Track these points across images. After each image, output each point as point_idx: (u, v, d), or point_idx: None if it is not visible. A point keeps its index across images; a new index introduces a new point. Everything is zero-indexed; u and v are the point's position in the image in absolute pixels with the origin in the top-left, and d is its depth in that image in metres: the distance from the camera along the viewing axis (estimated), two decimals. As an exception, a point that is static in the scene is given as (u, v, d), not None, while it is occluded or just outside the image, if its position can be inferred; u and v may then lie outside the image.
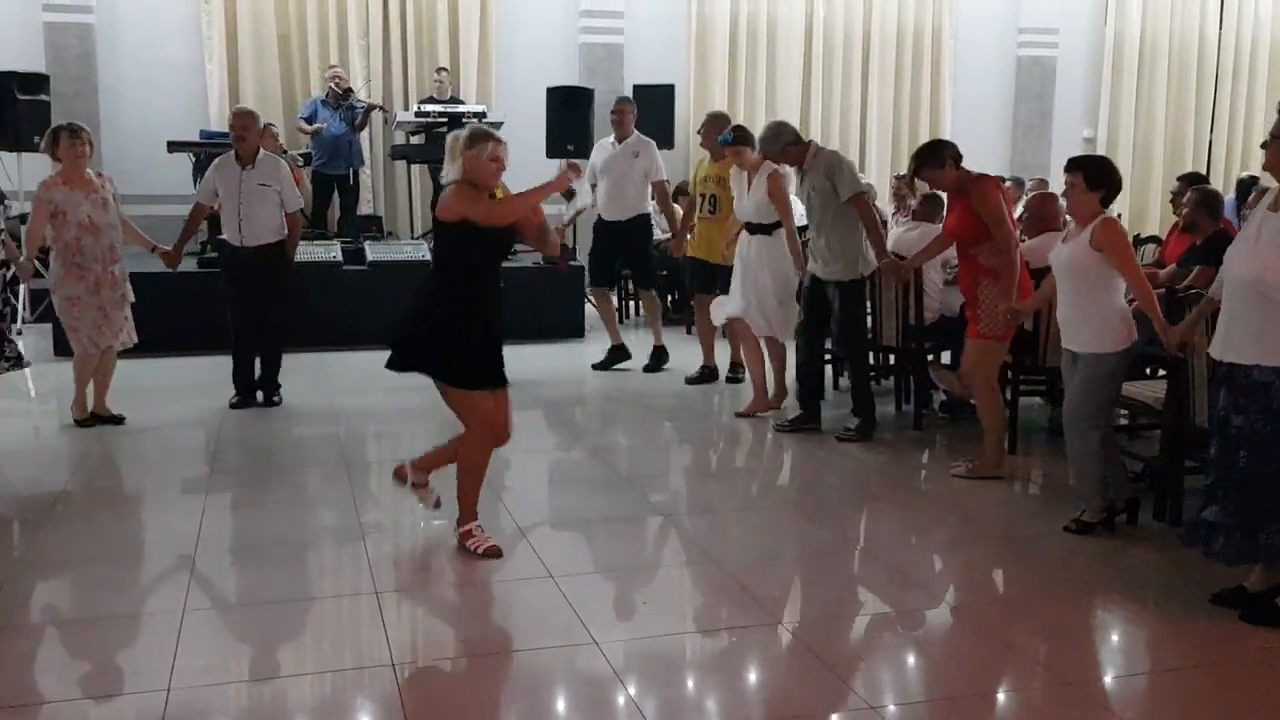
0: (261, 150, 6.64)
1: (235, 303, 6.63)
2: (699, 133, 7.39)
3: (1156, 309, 4.33)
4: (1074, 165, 4.52)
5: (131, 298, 6.26)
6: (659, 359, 7.97)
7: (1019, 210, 7.88)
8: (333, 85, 10.23)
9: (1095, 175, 4.44)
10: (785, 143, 6.01)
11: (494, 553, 4.20)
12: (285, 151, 8.81)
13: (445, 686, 3.30)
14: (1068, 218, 4.80)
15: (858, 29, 12.83)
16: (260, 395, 6.75)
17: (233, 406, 6.61)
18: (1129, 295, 4.47)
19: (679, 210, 9.25)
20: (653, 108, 11.48)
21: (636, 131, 7.88)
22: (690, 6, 12.27)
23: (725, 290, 6.93)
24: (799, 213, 6.83)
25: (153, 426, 6.20)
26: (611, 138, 7.92)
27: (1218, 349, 3.71)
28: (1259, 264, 3.53)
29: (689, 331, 9.70)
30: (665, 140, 11.51)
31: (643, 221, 7.97)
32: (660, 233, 9.38)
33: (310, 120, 10.10)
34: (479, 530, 4.27)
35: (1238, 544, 3.61)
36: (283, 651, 3.51)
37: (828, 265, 5.95)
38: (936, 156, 5.36)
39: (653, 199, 8.09)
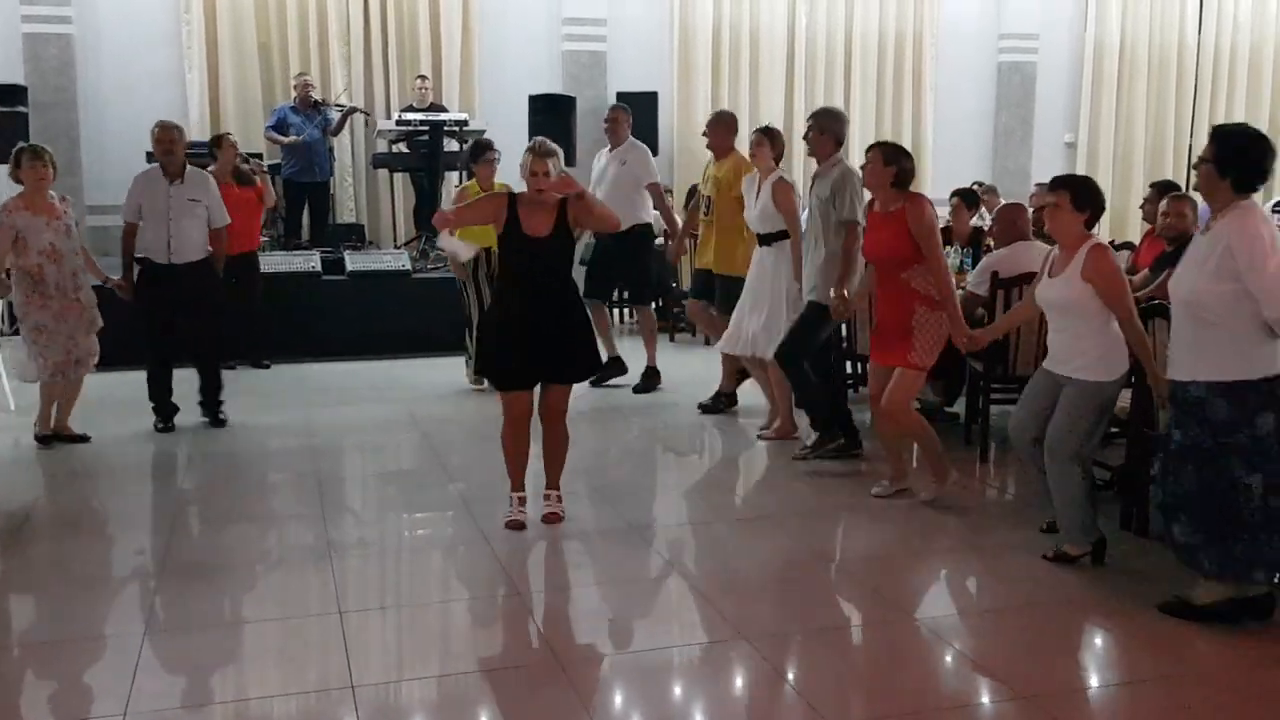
0: (188, 165, 6.46)
1: (153, 322, 6.33)
2: (704, 134, 7.01)
3: (1148, 350, 4.24)
4: (1059, 184, 4.34)
5: (100, 323, 6.16)
6: (650, 380, 7.64)
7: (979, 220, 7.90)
8: (305, 92, 10.16)
9: (1081, 195, 4.25)
10: (841, 133, 5.77)
11: (515, 525, 4.68)
12: (246, 159, 8.74)
13: (407, 708, 3.30)
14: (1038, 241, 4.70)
15: (840, 36, 12.85)
16: (204, 416, 6.57)
17: (160, 430, 6.40)
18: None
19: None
20: (636, 115, 11.42)
21: (630, 138, 7.72)
22: (673, 15, 12.29)
23: (724, 307, 6.65)
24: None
25: (119, 442, 6.18)
26: (607, 147, 7.76)
27: (1167, 368, 3.81)
28: (1189, 285, 3.63)
29: (672, 339, 9.75)
30: (650, 147, 11.49)
31: (640, 231, 7.53)
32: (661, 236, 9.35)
33: (280, 129, 10.04)
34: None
35: (1215, 561, 3.67)
36: (244, 673, 3.51)
37: (811, 286, 5.73)
38: (896, 156, 5.03)
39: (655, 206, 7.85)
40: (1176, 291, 3.73)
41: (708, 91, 12.45)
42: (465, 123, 10.12)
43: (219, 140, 8.17)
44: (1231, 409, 3.58)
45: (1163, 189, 7.01)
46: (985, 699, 3.33)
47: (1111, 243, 5.99)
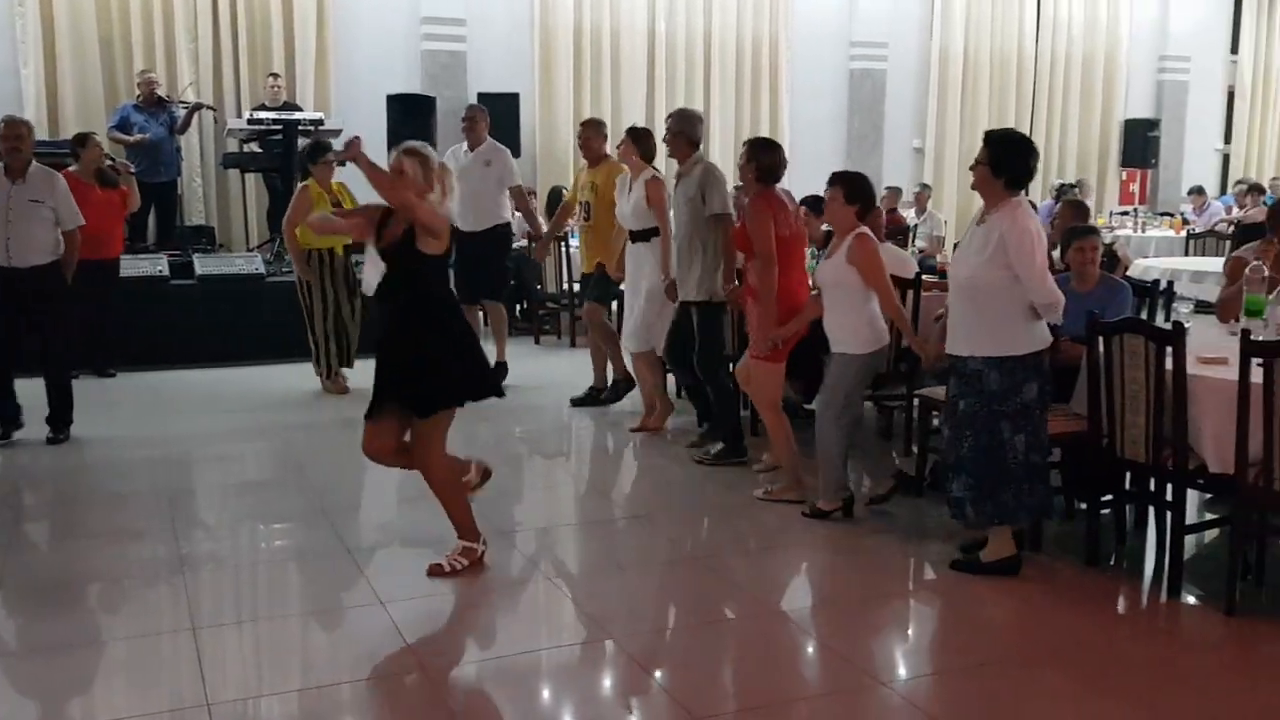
0: (34, 164, 6.09)
1: None
2: (578, 139, 7.11)
3: (906, 323, 4.95)
4: (834, 180, 4.86)
5: None
6: (498, 375, 7.72)
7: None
8: (149, 90, 9.79)
9: (853, 190, 4.78)
10: (697, 134, 5.90)
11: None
12: (112, 161, 8.41)
13: (267, 720, 3.24)
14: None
15: (699, 40, 13.04)
16: (48, 431, 6.17)
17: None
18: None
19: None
20: (498, 116, 11.41)
21: (489, 138, 7.71)
22: (533, 15, 12.27)
23: (596, 296, 6.89)
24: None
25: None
26: (464, 146, 7.69)
27: (948, 344, 4.25)
28: (968, 270, 4.11)
29: (537, 341, 9.74)
30: (511, 148, 11.42)
31: (500, 231, 7.64)
32: (524, 238, 9.32)
33: (124, 128, 9.65)
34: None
35: (979, 511, 4.16)
36: (92, 695, 3.38)
37: (689, 288, 5.76)
38: (767, 151, 5.21)
39: (515, 208, 7.90)
40: (956, 275, 4.22)
41: (569, 92, 12.48)
42: (320, 122, 9.88)
43: (83, 139, 7.83)
44: (1003, 380, 4.06)
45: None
46: (847, 685, 3.45)
47: (956, 244, 6.26)
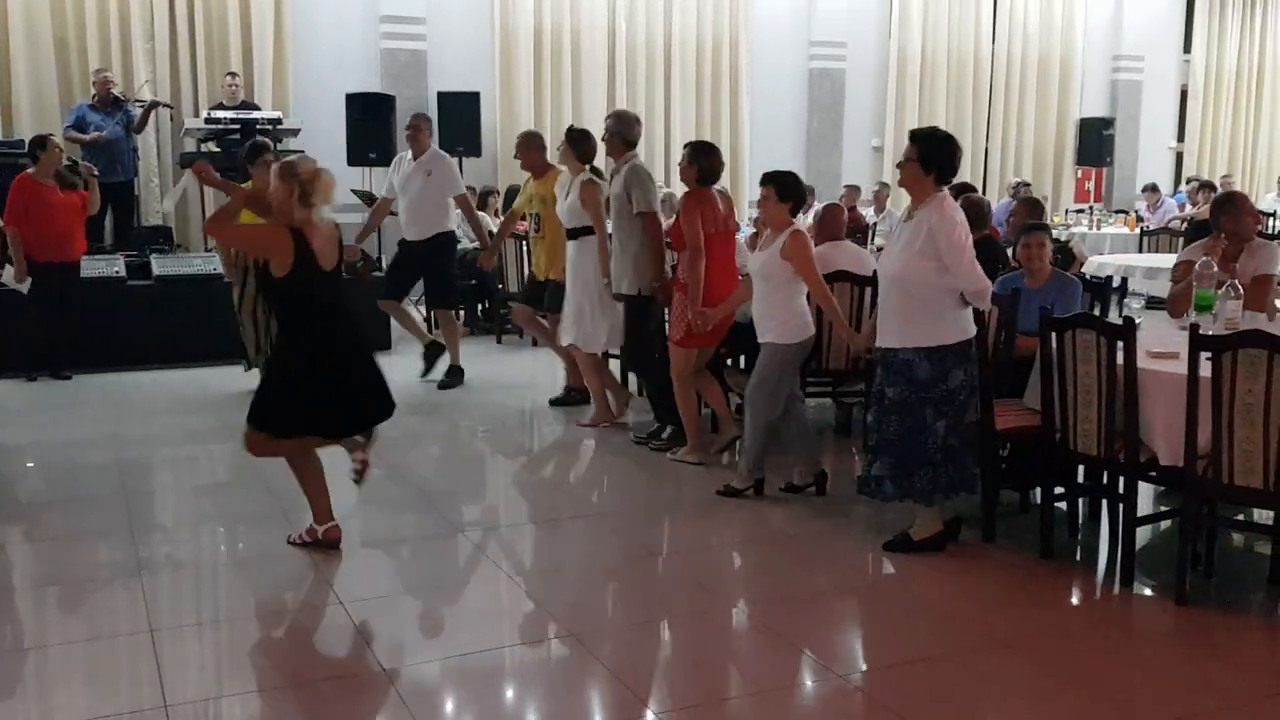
0: None
1: None
2: (516, 157, 7.17)
3: (839, 315, 5.18)
4: (767, 180, 5.08)
5: None
6: (454, 377, 7.71)
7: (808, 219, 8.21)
8: (105, 89, 9.68)
9: (784, 189, 5.02)
10: (634, 135, 6.13)
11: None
12: (74, 163, 8.32)
13: (227, 721, 3.23)
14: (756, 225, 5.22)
15: (659, 40, 13.06)
16: None
17: None
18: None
19: (488, 221, 9.29)
20: (459, 115, 11.42)
21: (433, 147, 7.71)
22: (493, 15, 12.23)
23: (554, 307, 6.82)
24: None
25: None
26: (409, 154, 7.68)
27: (879, 337, 4.39)
28: (898, 264, 4.24)
29: (499, 341, 9.72)
30: (472, 148, 11.47)
31: (443, 240, 7.66)
32: (469, 241, 9.33)
33: (79, 127, 9.53)
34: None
35: (898, 486, 4.36)
36: (48, 698, 3.34)
37: (618, 281, 6.00)
38: (706, 154, 5.59)
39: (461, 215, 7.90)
40: (886, 269, 4.35)
41: (530, 92, 12.47)
42: (279, 121, 9.84)
43: (42, 141, 7.74)
44: (932, 368, 4.22)
45: (958, 190, 7.39)
46: (804, 678, 3.49)
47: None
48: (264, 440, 4.27)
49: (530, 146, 7.02)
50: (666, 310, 5.95)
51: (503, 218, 9.47)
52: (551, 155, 7.26)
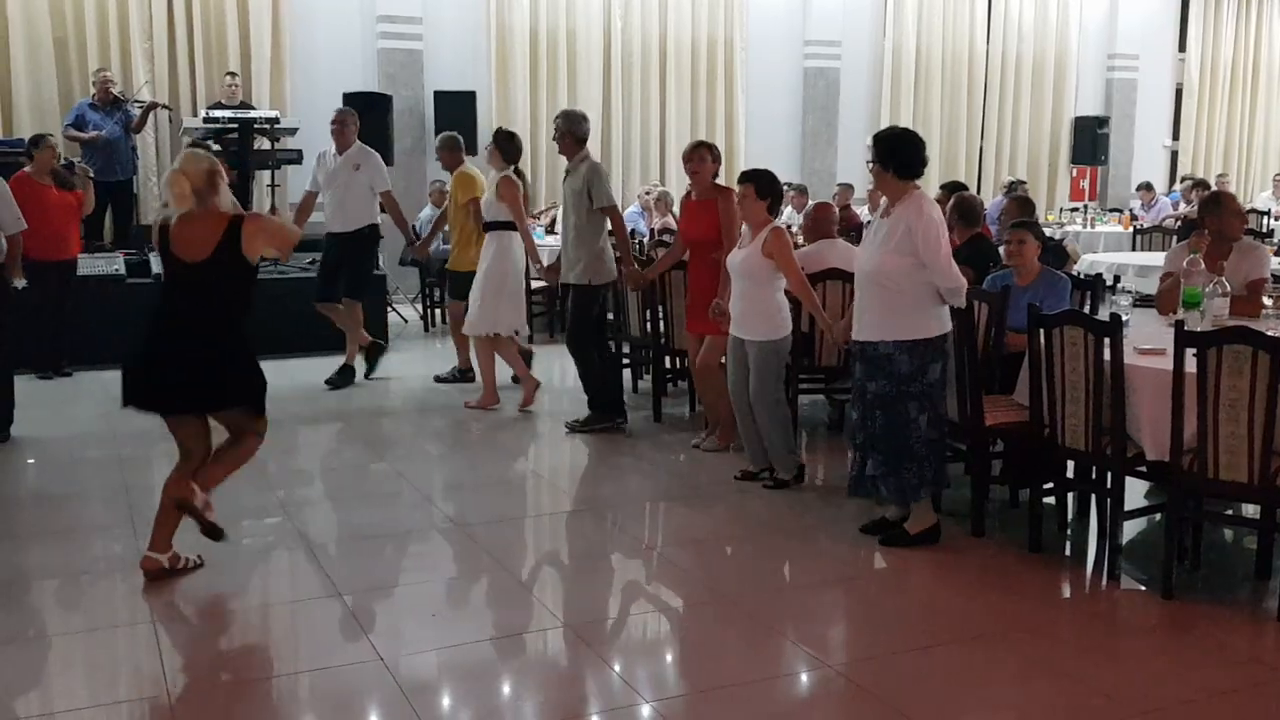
0: None
1: None
2: (437, 158, 7.76)
3: (819, 309, 5.27)
4: (745, 178, 5.22)
5: None
6: (345, 376, 7.78)
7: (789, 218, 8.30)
8: (104, 88, 9.74)
9: (763, 186, 5.16)
10: (583, 131, 6.35)
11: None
12: (71, 164, 8.37)
13: (225, 714, 3.26)
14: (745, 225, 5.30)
15: (655, 40, 13.11)
16: None
17: None
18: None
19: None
20: (455, 114, 11.45)
21: (358, 142, 7.79)
22: (489, 15, 12.28)
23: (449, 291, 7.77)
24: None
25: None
26: (332, 149, 7.74)
27: (855, 331, 4.46)
28: (876, 260, 4.32)
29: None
30: (468, 146, 11.45)
31: (366, 233, 7.77)
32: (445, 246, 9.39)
33: (79, 126, 9.59)
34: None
35: (894, 487, 4.41)
36: (51, 686, 3.40)
37: (571, 269, 6.30)
38: (693, 153, 5.89)
39: (383, 211, 7.99)
40: (863, 266, 4.43)
41: (526, 92, 12.51)
42: (276, 120, 9.86)
43: (38, 140, 7.79)
44: (912, 362, 4.29)
45: (951, 189, 7.48)
46: (795, 668, 3.54)
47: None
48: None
49: (447, 148, 7.61)
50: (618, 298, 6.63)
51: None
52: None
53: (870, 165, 4.47)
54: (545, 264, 7.05)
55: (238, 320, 4.13)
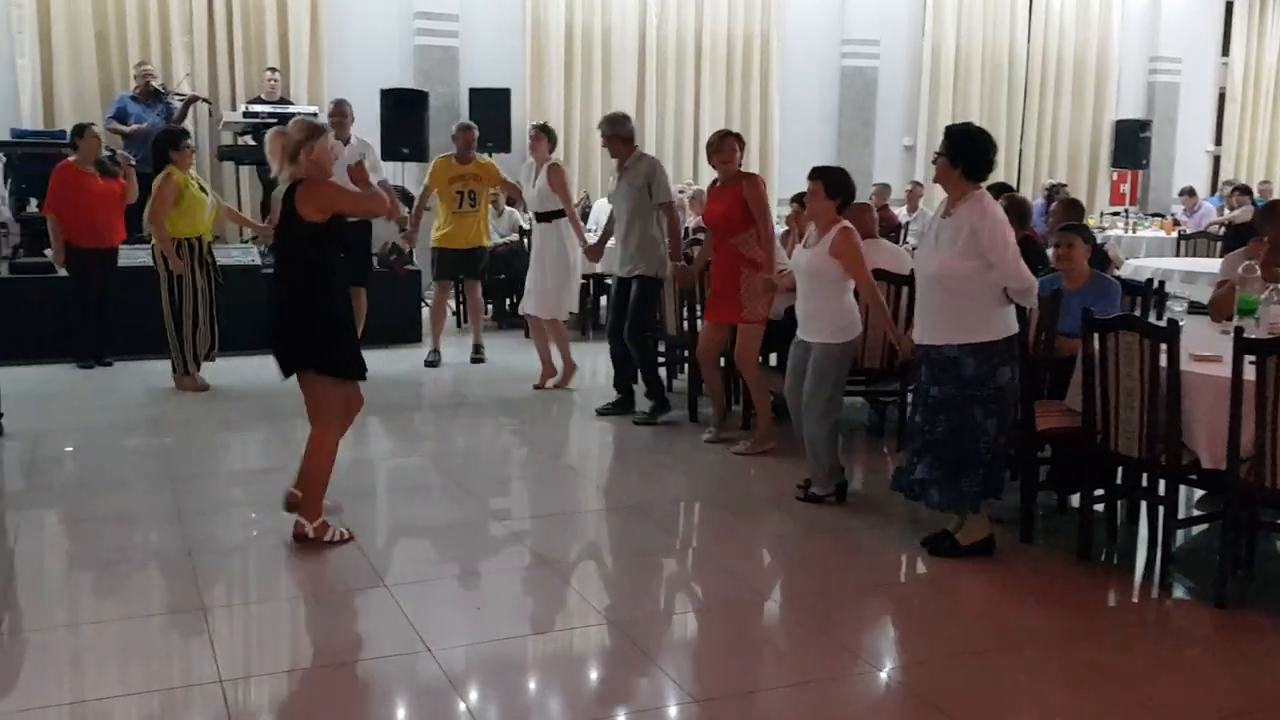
0: None
1: None
2: (453, 137, 8.12)
3: (886, 314, 5.14)
4: (815, 175, 5.08)
5: None
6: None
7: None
8: (145, 81, 9.83)
9: (833, 185, 5.02)
10: (627, 131, 6.51)
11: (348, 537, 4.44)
12: (112, 153, 8.43)
13: (276, 702, 3.28)
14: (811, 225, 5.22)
15: (690, 36, 13.07)
16: None
17: None
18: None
19: (518, 217, 9.49)
20: (490, 111, 11.47)
21: (354, 134, 7.98)
22: (525, 12, 12.29)
23: (472, 275, 8.29)
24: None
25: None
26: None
27: (916, 334, 4.36)
28: (938, 262, 4.20)
29: (527, 335, 9.75)
30: (503, 143, 11.52)
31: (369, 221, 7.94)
32: (498, 237, 9.40)
33: (120, 119, 9.67)
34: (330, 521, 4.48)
35: (948, 494, 4.29)
36: (105, 672, 3.42)
37: (632, 264, 6.41)
38: (722, 143, 5.92)
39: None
40: (924, 268, 4.31)
41: (560, 88, 12.52)
42: (314, 115, 9.89)
43: (81, 130, 7.86)
44: (979, 366, 4.17)
45: (997, 190, 7.38)
46: (842, 670, 3.51)
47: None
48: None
49: (466, 137, 8.01)
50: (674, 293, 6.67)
51: (531, 214, 9.56)
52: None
53: (936, 159, 4.33)
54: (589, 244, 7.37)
55: (313, 283, 4.30)
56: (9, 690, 3.21)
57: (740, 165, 5.97)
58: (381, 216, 4.77)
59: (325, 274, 4.31)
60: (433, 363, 8.23)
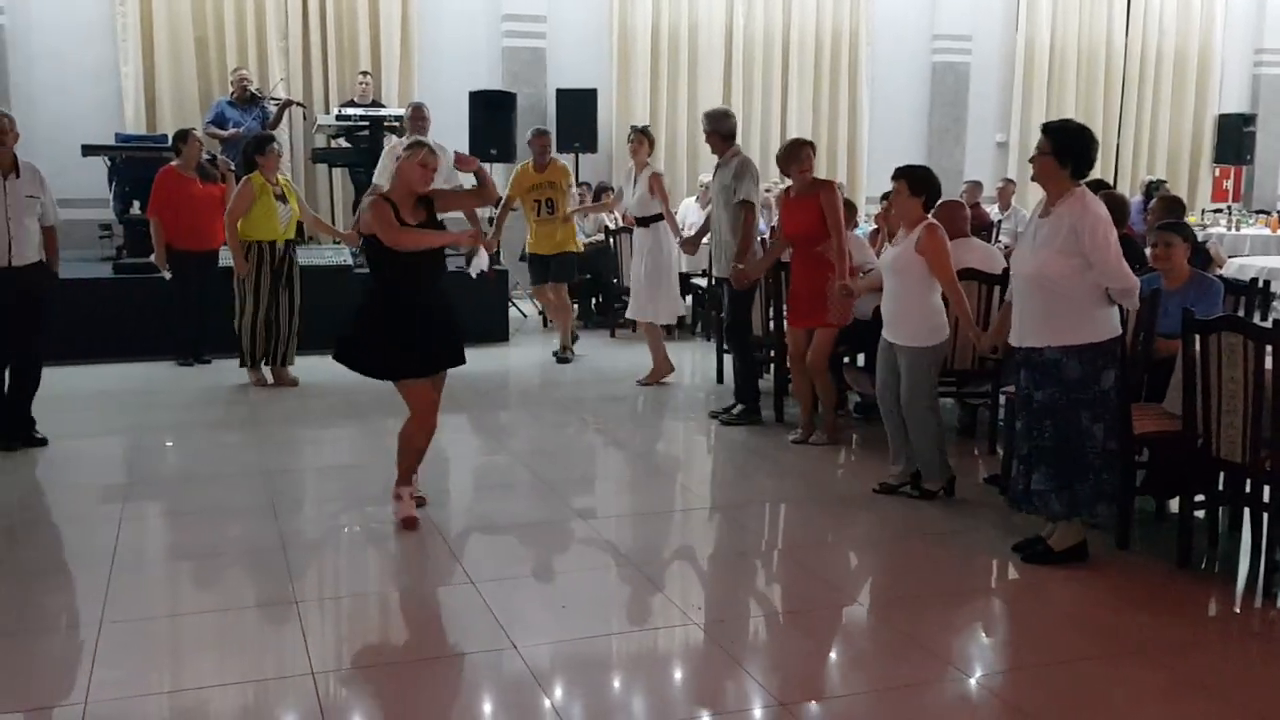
0: (19, 157, 5.76)
1: None
2: (528, 143, 8.33)
3: (968, 313, 5.00)
4: (898, 174, 5.03)
5: None
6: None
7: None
8: (242, 86, 10.11)
9: (915, 183, 4.96)
10: (727, 128, 6.52)
11: (410, 524, 4.57)
12: (213, 158, 8.69)
13: (366, 694, 3.34)
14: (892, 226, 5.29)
15: (777, 34, 12.98)
16: (11, 431, 5.83)
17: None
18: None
19: (603, 218, 9.59)
20: (576, 112, 11.55)
21: (431, 138, 8.03)
22: (612, 13, 12.33)
23: (558, 278, 8.37)
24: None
25: (69, 436, 6.08)
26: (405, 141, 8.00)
27: (1015, 337, 4.24)
28: (1037, 262, 4.07)
29: (612, 334, 9.80)
30: (589, 144, 11.60)
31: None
32: (583, 237, 9.45)
33: (218, 123, 9.96)
34: (406, 495, 4.66)
35: (1066, 502, 4.16)
36: (202, 662, 3.51)
37: (721, 264, 6.52)
38: (799, 152, 5.97)
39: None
40: (1022, 268, 4.18)
41: (646, 89, 12.53)
42: (404, 118, 10.06)
43: (184, 135, 8.12)
44: (1083, 368, 4.05)
45: (1094, 187, 7.18)
46: (931, 676, 3.45)
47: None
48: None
49: (542, 143, 8.19)
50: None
51: (618, 213, 9.62)
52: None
53: (1035, 157, 4.15)
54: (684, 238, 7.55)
55: (380, 287, 4.55)
56: (112, 677, 3.32)
57: (813, 172, 6.00)
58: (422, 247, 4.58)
59: (376, 279, 4.57)
60: (564, 359, 8.46)
